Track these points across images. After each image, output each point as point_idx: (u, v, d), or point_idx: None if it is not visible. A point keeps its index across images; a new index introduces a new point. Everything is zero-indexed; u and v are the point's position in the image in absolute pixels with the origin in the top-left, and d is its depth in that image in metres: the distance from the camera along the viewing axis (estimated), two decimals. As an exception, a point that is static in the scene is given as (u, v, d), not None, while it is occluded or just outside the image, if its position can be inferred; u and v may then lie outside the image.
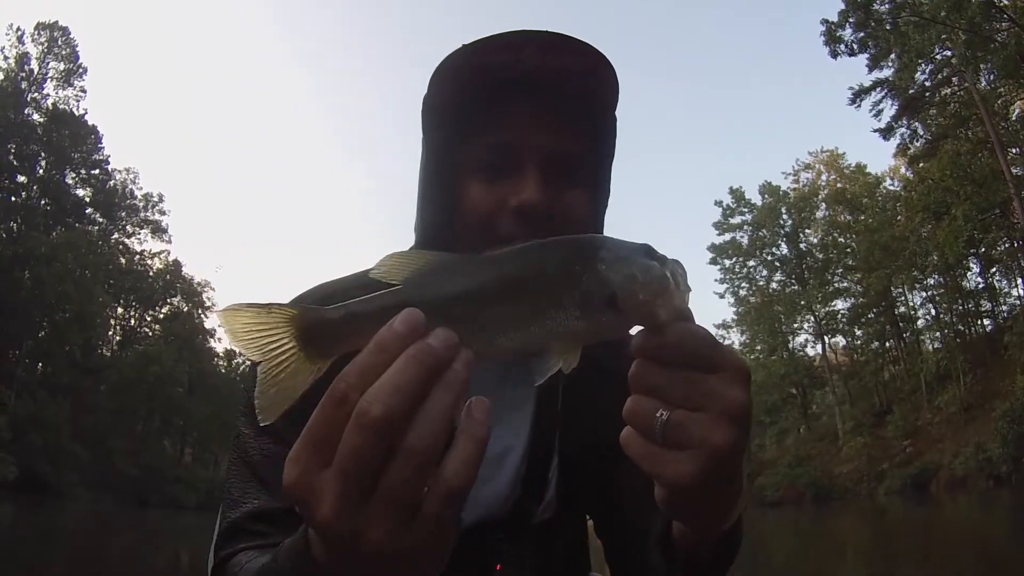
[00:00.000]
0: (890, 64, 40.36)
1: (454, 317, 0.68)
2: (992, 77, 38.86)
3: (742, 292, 61.51)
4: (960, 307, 49.68)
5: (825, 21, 37.81)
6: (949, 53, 38.03)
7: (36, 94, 53.67)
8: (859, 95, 42.81)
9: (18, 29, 53.07)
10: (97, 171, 58.70)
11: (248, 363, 0.93)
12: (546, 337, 0.73)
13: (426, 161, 1.28)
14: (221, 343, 72.74)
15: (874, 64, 40.72)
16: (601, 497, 1.33)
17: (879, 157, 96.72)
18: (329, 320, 0.71)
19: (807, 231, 59.80)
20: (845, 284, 56.67)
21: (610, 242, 0.77)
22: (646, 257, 0.75)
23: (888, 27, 36.77)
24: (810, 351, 60.37)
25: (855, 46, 38.24)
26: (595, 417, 1.17)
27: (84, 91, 55.95)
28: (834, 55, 38.68)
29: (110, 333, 64.20)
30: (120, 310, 66.22)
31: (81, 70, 55.49)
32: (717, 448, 0.71)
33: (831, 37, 37.98)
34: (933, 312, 52.19)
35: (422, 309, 0.65)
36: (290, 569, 0.74)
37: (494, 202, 1.17)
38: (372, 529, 0.61)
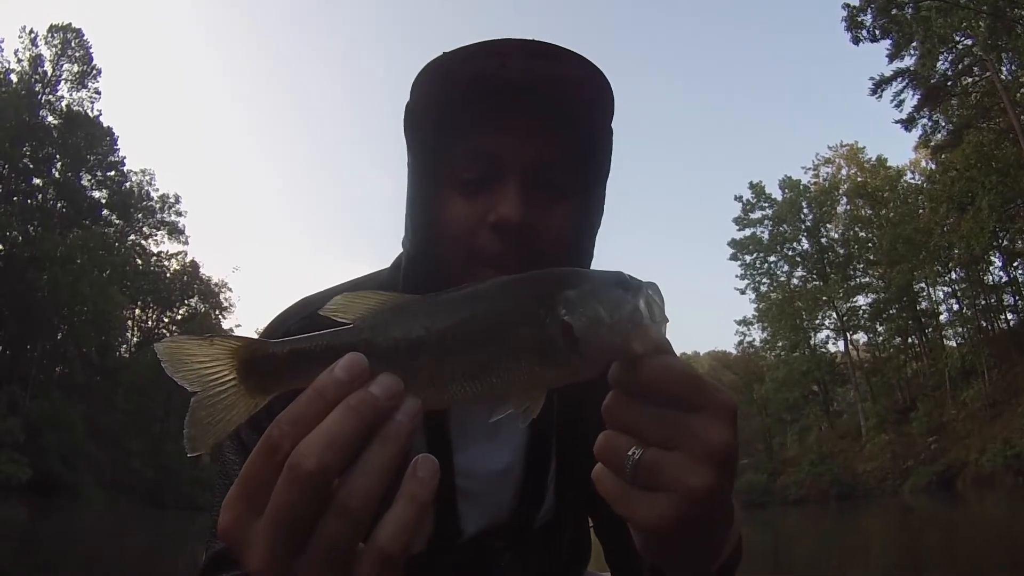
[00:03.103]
0: (911, 52, 40.04)
1: (403, 363, 0.65)
2: (1014, 67, 38.48)
3: (763, 288, 61.15)
4: (983, 302, 49.22)
5: (847, 6, 37.49)
6: (971, 42, 37.62)
7: (50, 96, 53.86)
8: (880, 85, 42.45)
9: (31, 31, 53.18)
10: (113, 173, 58.75)
11: None
12: (504, 386, 0.68)
13: (409, 172, 1.21)
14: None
15: (895, 53, 40.38)
16: (599, 500, 1.10)
17: (899, 152, 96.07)
18: (272, 356, 0.68)
19: (828, 226, 59.39)
20: (867, 279, 56.26)
21: (575, 278, 0.72)
22: (616, 289, 0.70)
23: (910, 12, 36.37)
24: (831, 347, 59.86)
25: (877, 32, 37.87)
26: (590, 419, 1.00)
27: (99, 93, 56.11)
28: (855, 41, 38.53)
29: (128, 334, 64.47)
30: (138, 312, 66.48)
31: (95, 72, 55.57)
32: (694, 491, 0.66)
33: (852, 22, 37.66)
34: (956, 307, 51.77)
35: (370, 352, 0.63)
36: None
37: (473, 218, 1.12)
38: None
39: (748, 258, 60.53)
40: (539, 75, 1.09)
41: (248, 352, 0.68)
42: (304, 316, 1.26)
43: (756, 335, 63.59)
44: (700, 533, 0.71)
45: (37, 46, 53.14)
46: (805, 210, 58.76)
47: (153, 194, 64.26)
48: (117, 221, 61.30)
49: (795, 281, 59.99)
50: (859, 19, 37.49)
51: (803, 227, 58.87)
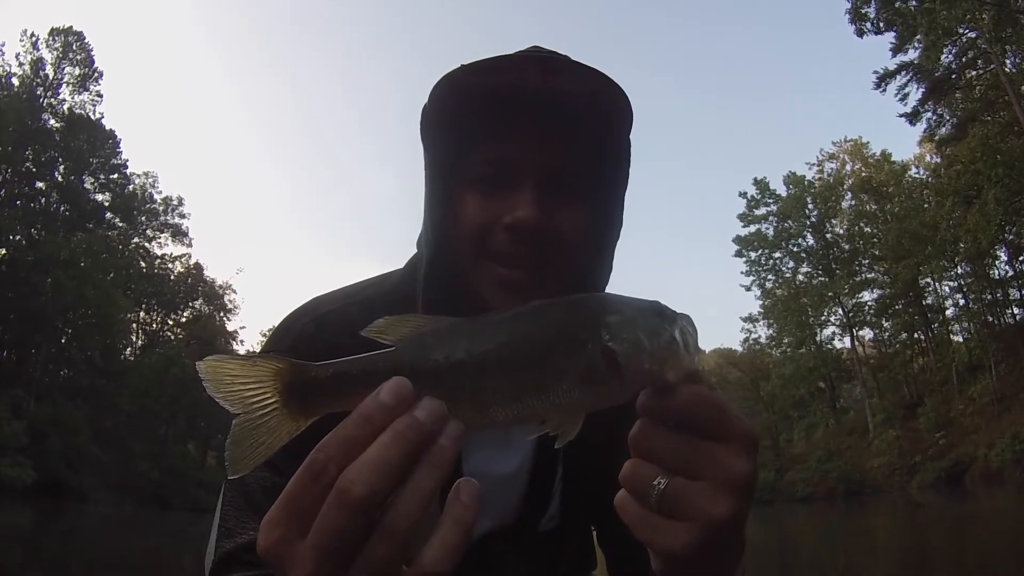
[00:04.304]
0: (915, 46, 39.94)
1: (446, 386, 0.66)
2: (1018, 59, 38.38)
3: (768, 284, 61.19)
4: (989, 296, 49.03)
5: (850, -3, 37.52)
6: (975, 34, 37.51)
7: (52, 99, 53.93)
8: (884, 79, 42.44)
9: (32, 35, 53.22)
10: (116, 175, 58.86)
11: None
12: (545, 409, 0.70)
13: (426, 175, 1.24)
14: (243, 345, 72.85)
15: (899, 47, 40.32)
16: (603, 511, 1.26)
17: (903, 146, 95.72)
18: (315, 379, 0.68)
19: (833, 221, 59.33)
20: (872, 275, 56.14)
21: (616, 304, 0.73)
22: (655, 318, 0.72)
23: (913, 5, 36.31)
24: (838, 343, 59.87)
25: (881, 24, 37.84)
26: (599, 432, 1.03)
27: (100, 95, 56.21)
28: (859, 33, 38.52)
29: (132, 337, 64.47)
30: (142, 314, 66.47)
31: (97, 74, 55.66)
32: (715, 520, 0.69)
33: (856, 14, 37.62)
34: (962, 302, 51.53)
35: (413, 375, 0.63)
36: None
37: (488, 217, 1.15)
38: None
39: (753, 254, 60.59)
40: (556, 88, 1.12)
41: (291, 374, 0.68)
42: (314, 318, 1.29)
43: (762, 332, 63.67)
44: (717, 558, 0.74)
45: (38, 49, 53.37)
46: (810, 206, 58.78)
47: (156, 196, 64.52)
48: (120, 224, 61.39)
49: (800, 277, 60.07)
50: (863, 11, 37.55)
51: (808, 223, 58.88)
